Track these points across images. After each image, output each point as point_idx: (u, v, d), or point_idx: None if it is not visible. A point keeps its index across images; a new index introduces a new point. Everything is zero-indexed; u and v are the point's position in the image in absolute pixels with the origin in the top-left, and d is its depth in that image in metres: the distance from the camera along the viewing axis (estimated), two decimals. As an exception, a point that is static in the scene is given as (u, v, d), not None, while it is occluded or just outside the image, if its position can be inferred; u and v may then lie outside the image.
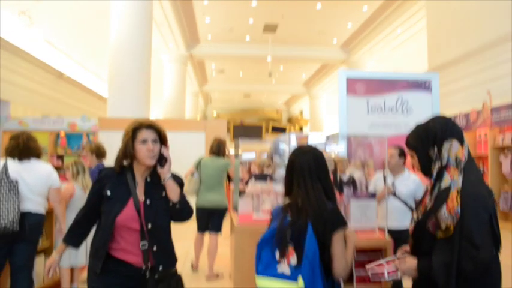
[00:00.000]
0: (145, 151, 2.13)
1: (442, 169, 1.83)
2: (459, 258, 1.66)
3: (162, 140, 2.21)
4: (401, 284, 4.32)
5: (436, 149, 1.85)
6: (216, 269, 5.35)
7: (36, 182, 3.58)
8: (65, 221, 3.88)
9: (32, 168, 3.59)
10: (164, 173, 2.15)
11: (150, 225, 2.12)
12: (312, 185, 2.00)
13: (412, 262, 1.82)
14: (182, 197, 2.21)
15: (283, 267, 1.87)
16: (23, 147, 3.56)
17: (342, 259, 1.90)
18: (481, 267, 1.67)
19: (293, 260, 1.87)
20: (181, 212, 2.20)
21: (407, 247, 2.02)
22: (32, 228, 3.53)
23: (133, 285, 2.16)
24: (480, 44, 9.90)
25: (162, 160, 2.15)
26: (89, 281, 2.21)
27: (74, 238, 2.29)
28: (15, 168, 3.49)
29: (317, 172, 2.03)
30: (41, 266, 4.25)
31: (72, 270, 4.22)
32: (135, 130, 2.16)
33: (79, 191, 4.13)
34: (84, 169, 4.27)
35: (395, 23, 14.04)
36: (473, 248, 1.65)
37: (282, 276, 1.85)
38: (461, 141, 1.84)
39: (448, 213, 1.73)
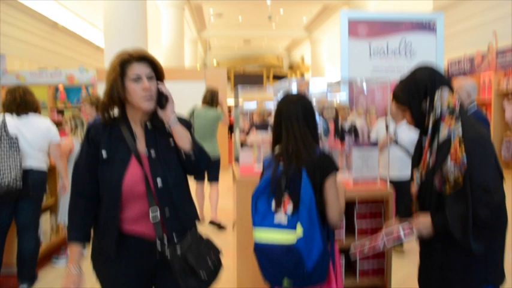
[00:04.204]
0: (140, 91, 1.66)
1: (437, 120, 1.75)
2: (474, 208, 1.59)
3: (159, 74, 1.76)
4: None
5: (428, 100, 1.77)
6: (220, 221, 5.52)
7: (36, 137, 3.55)
8: (67, 177, 3.86)
9: (31, 124, 3.55)
10: (167, 115, 1.71)
11: (160, 183, 1.67)
12: (300, 131, 1.96)
13: (426, 219, 1.76)
14: (195, 143, 1.77)
15: (280, 217, 1.84)
16: (20, 102, 3.50)
17: (335, 204, 1.90)
18: (496, 212, 1.63)
19: (289, 208, 1.84)
20: (197, 163, 1.76)
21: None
22: (35, 185, 3.53)
23: (153, 266, 1.73)
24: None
25: (162, 100, 1.71)
26: (96, 268, 1.77)
27: (84, 232, 1.73)
28: (14, 124, 3.45)
29: (305, 118, 1.99)
30: (46, 224, 4.29)
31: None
32: (123, 65, 1.67)
33: (78, 146, 4.09)
34: (82, 123, 4.22)
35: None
36: (488, 194, 1.60)
37: (279, 226, 1.83)
38: (451, 87, 1.77)
39: (454, 164, 1.64)
